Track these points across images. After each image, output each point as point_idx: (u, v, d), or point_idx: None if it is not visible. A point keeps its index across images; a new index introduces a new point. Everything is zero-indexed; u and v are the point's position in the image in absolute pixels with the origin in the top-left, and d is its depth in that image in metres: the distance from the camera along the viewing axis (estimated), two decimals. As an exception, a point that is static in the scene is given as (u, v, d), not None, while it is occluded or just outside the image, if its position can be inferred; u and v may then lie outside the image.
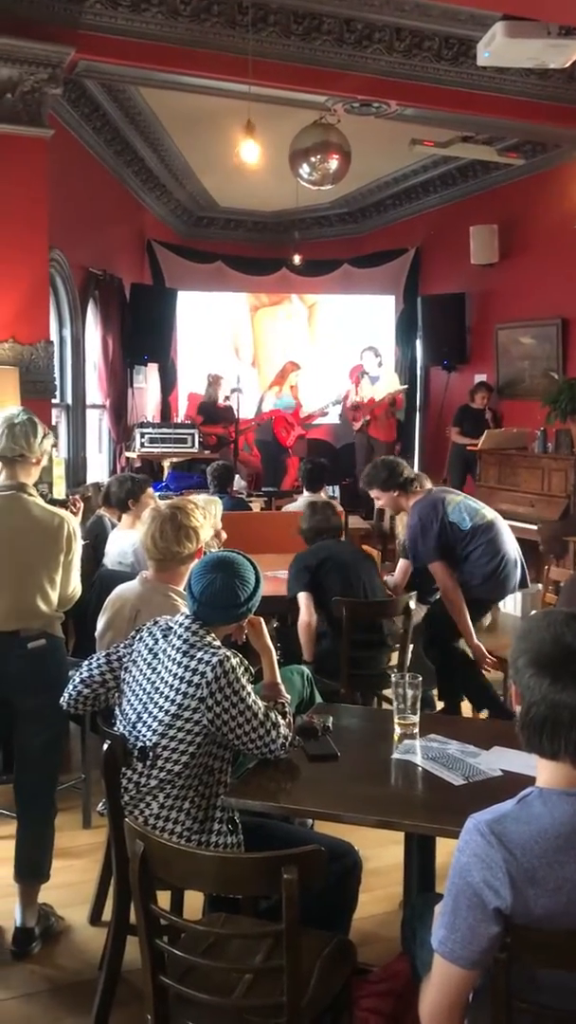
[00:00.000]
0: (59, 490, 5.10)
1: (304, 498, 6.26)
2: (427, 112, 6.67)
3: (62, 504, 3.28)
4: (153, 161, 9.02)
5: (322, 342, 10.76)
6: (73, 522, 2.98)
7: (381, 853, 3.10)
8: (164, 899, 2.43)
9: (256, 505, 7.91)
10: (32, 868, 2.92)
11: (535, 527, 6.77)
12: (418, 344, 10.41)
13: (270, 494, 8.74)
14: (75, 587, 3.03)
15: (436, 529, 4.20)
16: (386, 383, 9.85)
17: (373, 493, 4.44)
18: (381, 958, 2.62)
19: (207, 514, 3.08)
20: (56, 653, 2.96)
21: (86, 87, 6.90)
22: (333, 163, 6.82)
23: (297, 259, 10.20)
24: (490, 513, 4.42)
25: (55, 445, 3.13)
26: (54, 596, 2.93)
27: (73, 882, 3.25)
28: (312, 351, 10.65)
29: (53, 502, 3.27)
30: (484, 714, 4.35)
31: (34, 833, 2.94)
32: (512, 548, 4.38)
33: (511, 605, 7.17)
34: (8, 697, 2.91)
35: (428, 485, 4.44)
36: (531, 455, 7.44)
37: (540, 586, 7.23)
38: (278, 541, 5.51)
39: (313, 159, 6.77)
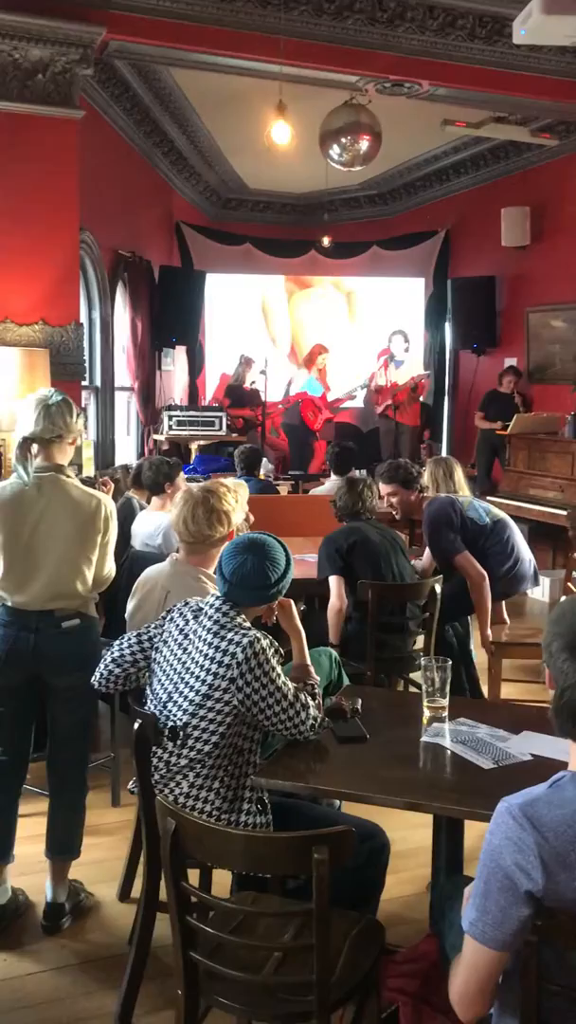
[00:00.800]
0: (87, 472, 5.13)
1: (332, 481, 6.25)
2: (459, 92, 6.61)
3: (90, 485, 3.28)
4: (183, 143, 8.99)
5: (351, 325, 10.70)
6: (110, 504, 2.99)
7: (409, 836, 3.11)
8: (192, 878, 2.45)
9: (283, 488, 7.91)
10: (63, 845, 2.96)
11: (564, 512, 6.71)
12: (447, 328, 10.34)
13: (297, 477, 8.74)
14: (110, 568, 3.05)
15: (457, 522, 4.25)
16: (409, 368, 9.80)
17: (390, 489, 4.42)
18: (408, 939, 2.63)
19: (238, 498, 3.08)
20: (90, 633, 2.98)
21: (116, 68, 6.88)
22: (364, 144, 6.76)
23: (326, 241, 10.16)
24: (501, 513, 4.49)
25: (85, 427, 3.15)
26: (90, 577, 2.95)
27: (102, 859, 3.29)
28: (341, 334, 10.59)
29: (86, 482, 3.27)
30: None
31: (66, 810, 2.98)
32: (525, 547, 4.44)
33: (538, 590, 7.14)
34: (42, 675, 2.94)
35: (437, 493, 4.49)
36: (561, 440, 7.38)
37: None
38: (305, 524, 5.52)
39: (343, 140, 6.71)
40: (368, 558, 4.02)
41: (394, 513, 4.52)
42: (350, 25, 5.96)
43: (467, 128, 7.61)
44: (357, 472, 7.38)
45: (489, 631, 4.30)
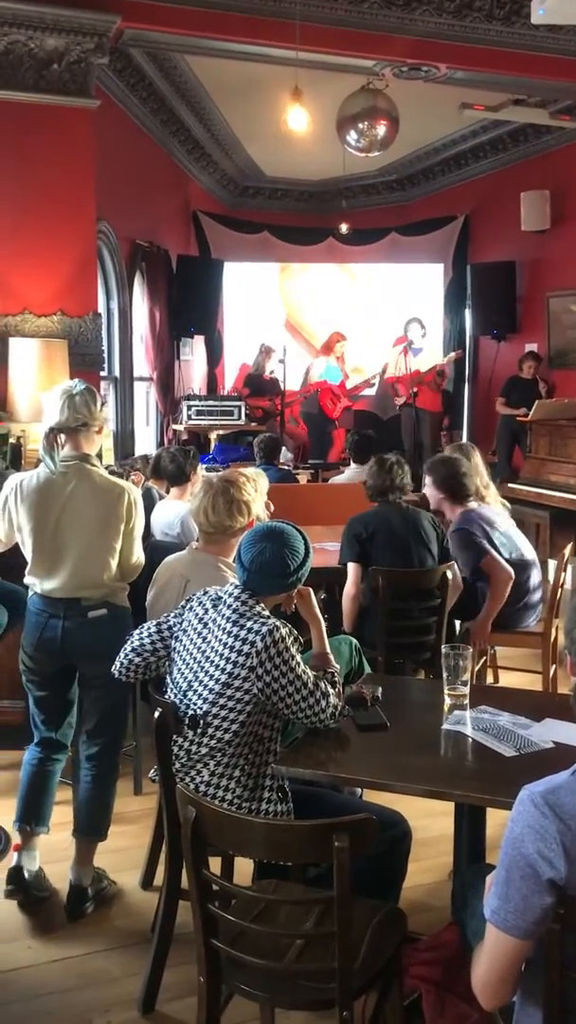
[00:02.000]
0: (107, 461, 5.14)
1: (351, 470, 6.24)
2: (478, 75, 6.54)
3: (120, 476, 3.30)
4: (199, 131, 8.96)
5: (369, 312, 10.65)
6: (135, 492, 3.01)
7: (430, 824, 3.11)
8: (214, 866, 2.46)
9: (303, 477, 7.90)
10: (90, 825, 2.99)
11: (586, 499, 6.68)
12: (467, 314, 10.26)
13: (316, 466, 8.72)
14: (138, 557, 3.07)
15: (481, 536, 4.16)
16: (428, 356, 9.74)
17: (437, 495, 4.31)
18: (430, 927, 2.63)
19: (258, 487, 3.07)
20: (117, 623, 2.98)
21: (132, 56, 6.86)
22: (381, 129, 6.72)
23: (344, 228, 10.10)
24: (530, 554, 4.35)
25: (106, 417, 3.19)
26: (115, 566, 2.97)
27: (124, 847, 3.30)
28: (359, 321, 10.55)
29: (112, 474, 3.30)
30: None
31: (95, 791, 3.01)
32: (538, 593, 4.32)
33: (563, 577, 7.09)
34: (73, 663, 3.00)
35: (479, 504, 4.35)
36: (582, 425, 7.31)
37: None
38: (325, 513, 5.50)
39: (361, 126, 6.68)
40: (387, 546, 3.98)
41: (429, 501, 4.42)
42: (366, 9, 5.90)
43: (485, 111, 7.54)
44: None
45: (489, 628, 4.20)
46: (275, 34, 5.76)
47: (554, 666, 4.47)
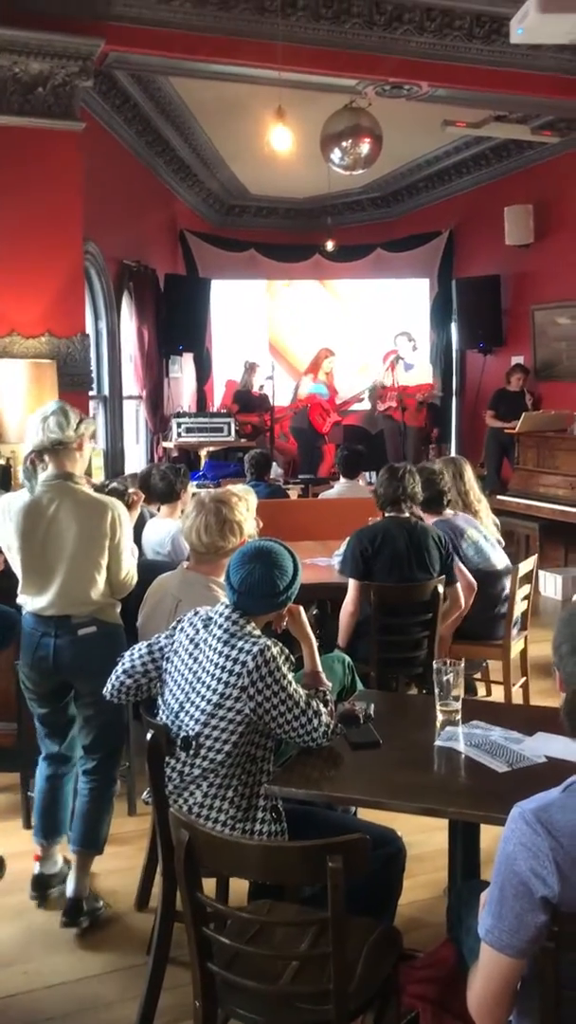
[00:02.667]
0: (99, 479, 5.14)
1: (341, 485, 6.25)
2: (459, 92, 6.61)
3: (120, 495, 3.37)
4: (184, 151, 9.01)
5: (356, 327, 10.70)
6: (119, 508, 3.03)
7: (425, 839, 3.10)
8: (209, 884, 2.45)
9: (293, 492, 7.90)
10: (87, 838, 3.03)
11: (575, 510, 6.71)
12: (453, 327, 10.33)
13: (307, 481, 8.74)
14: (128, 572, 3.08)
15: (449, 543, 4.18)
16: (419, 371, 9.79)
17: None
18: (426, 944, 2.62)
19: (249, 506, 3.08)
20: (107, 640, 3.00)
21: (116, 78, 6.91)
22: (365, 147, 6.77)
23: (330, 245, 10.16)
24: (501, 565, 4.36)
25: (93, 435, 3.24)
26: (102, 582, 3.00)
27: (119, 868, 3.29)
28: (346, 337, 10.60)
29: (112, 492, 3.34)
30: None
31: (92, 805, 3.06)
32: (505, 605, 4.28)
33: (551, 587, 7.12)
34: (66, 680, 3.05)
35: (455, 514, 4.39)
36: (570, 437, 7.36)
37: (581, 570, 7.19)
38: (315, 529, 5.52)
39: (344, 144, 6.73)
40: (389, 568, 3.93)
41: None
42: (348, 29, 5.97)
43: (468, 128, 7.61)
44: (365, 475, 7.40)
45: (450, 637, 4.20)
46: (258, 55, 5.82)
47: (524, 677, 4.49)
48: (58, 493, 2.97)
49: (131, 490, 3.90)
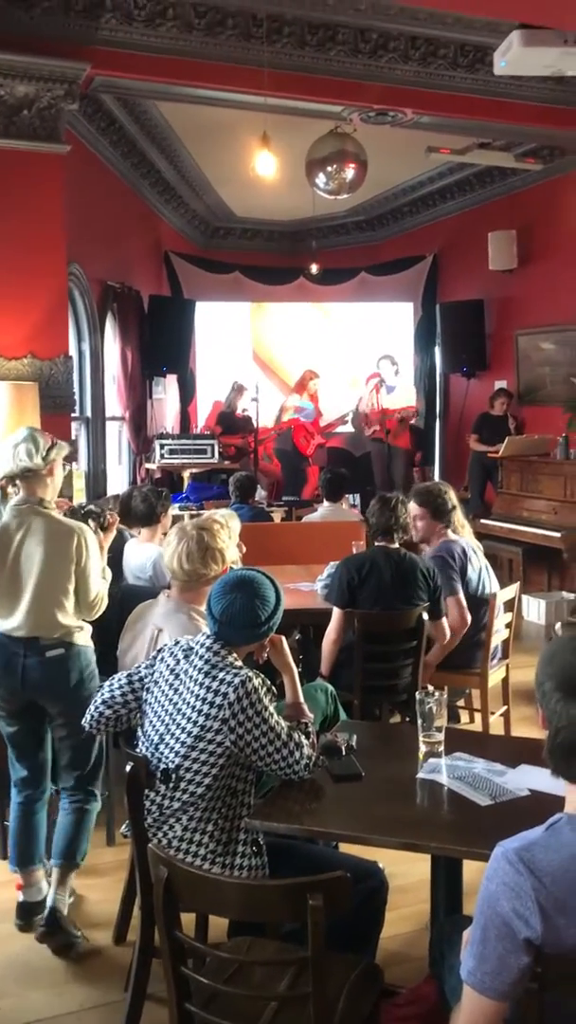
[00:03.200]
0: (77, 501, 5.11)
1: (324, 508, 6.23)
2: (443, 119, 6.67)
3: (96, 517, 3.44)
4: (170, 173, 9.05)
5: (341, 350, 10.74)
6: (85, 532, 3.12)
7: (408, 870, 3.07)
8: (189, 918, 2.41)
9: (276, 515, 7.89)
10: (63, 852, 3.08)
11: (558, 534, 6.72)
12: (437, 351, 10.38)
13: (290, 503, 8.73)
14: (96, 594, 3.14)
15: (457, 566, 4.20)
16: (402, 393, 9.83)
17: (419, 512, 4.32)
18: (408, 979, 2.59)
19: (231, 533, 3.07)
20: (73, 661, 3.08)
21: (102, 101, 6.93)
22: (349, 172, 6.82)
23: (314, 268, 10.20)
24: (496, 589, 4.38)
25: (73, 458, 3.31)
26: (70, 606, 3.07)
27: (97, 900, 3.24)
28: (331, 359, 10.63)
29: (88, 514, 3.42)
30: None
31: (71, 819, 3.12)
32: (490, 633, 4.28)
33: (534, 612, 7.13)
34: (35, 702, 3.10)
35: (459, 537, 4.39)
36: (553, 462, 7.39)
37: (564, 594, 7.20)
38: (299, 552, 5.50)
39: (329, 169, 6.78)
40: (372, 596, 3.91)
41: (413, 534, 4.37)
42: (333, 56, 6.02)
43: (452, 155, 7.67)
44: (349, 497, 7.40)
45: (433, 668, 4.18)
46: (244, 81, 5.86)
47: (505, 706, 4.47)
48: (27, 518, 3.06)
49: (108, 511, 3.90)
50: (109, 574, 3.30)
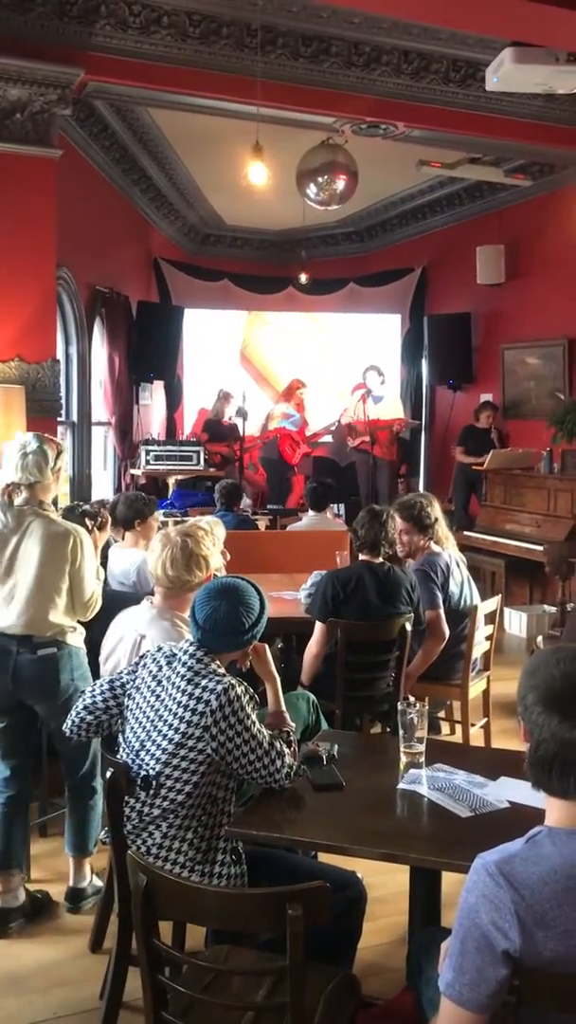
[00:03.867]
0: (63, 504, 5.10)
1: (309, 517, 6.24)
2: (434, 133, 6.70)
3: (92, 516, 3.57)
4: (161, 180, 9.06)
5: (328, 360, 10.77)
6: (81, 534, 3.21)
7: (387, 880, 3.06)
8: (166, 926, 2.40)
9: (261, 523, 7.89)
10: (76, 844, 3.26)
11: (540, 547, 6.75)
12: (424, 363, 10.42)
13: (275, 512, 8.73)
14: (91, 593, 3.24)
15: (439, 580, 4.22)
16: (388, 404, 9.84)
17: (404, 526, 4.31)
18: (385, 990, 2.59)
19: (216, 540, 3.07)
20: (64, 661, 3.16)
21: (95, 107, 6.94)
22: (340, 183, 6.84)
23: (304, 278, 10.23)
24: (477, 601, 4.39)
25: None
26: (63, 606, 3.16)
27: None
28: (321, 365, 10.66)
29: (85, 513, 3.54)
30: None
31: (77, 815, 3.26)
32: (471, 645, 4.29)
33: (516, 625, 7.15)
34: (26, 700, 3.18)
35: (442, 550, 4.40)
36: (537, 475, 7.43)
37: (545, 607, 7.23)
38: (283, 561, 5.50)
39: (320, 179, 6.80)
40: (356, 614, 3.91)
41: (399, 548, 4.36)
42: (327, 68, 6.04)
43: (442, 168, 7.72)
44: (333, 507, 7.40)
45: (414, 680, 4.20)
46: (237, 90, 5.87)
47: (485, 718, 4.48)
48: (27, 518, 3.17)
49: (102, 510, 3.93)
50: (103, 574, 3.42)
